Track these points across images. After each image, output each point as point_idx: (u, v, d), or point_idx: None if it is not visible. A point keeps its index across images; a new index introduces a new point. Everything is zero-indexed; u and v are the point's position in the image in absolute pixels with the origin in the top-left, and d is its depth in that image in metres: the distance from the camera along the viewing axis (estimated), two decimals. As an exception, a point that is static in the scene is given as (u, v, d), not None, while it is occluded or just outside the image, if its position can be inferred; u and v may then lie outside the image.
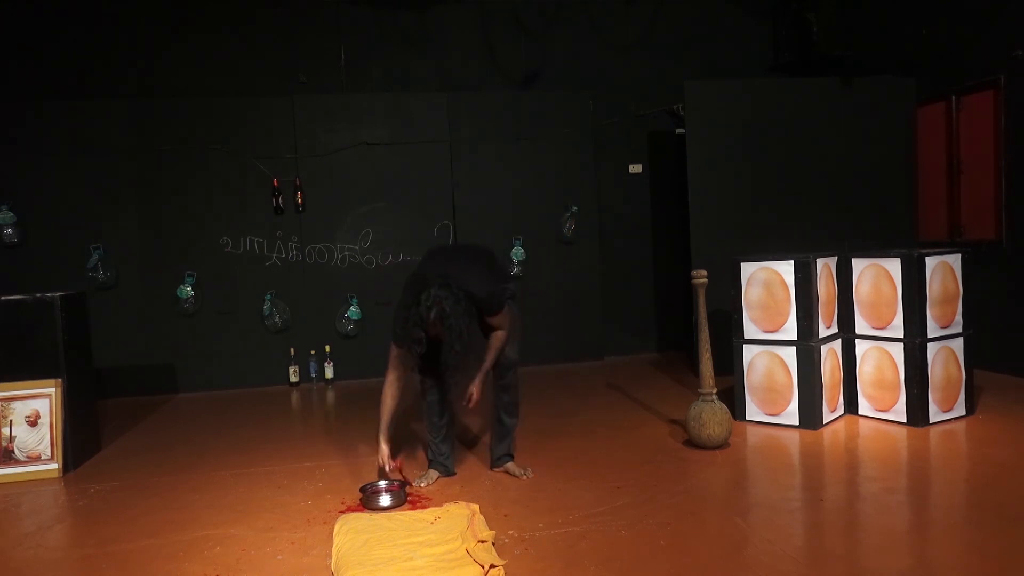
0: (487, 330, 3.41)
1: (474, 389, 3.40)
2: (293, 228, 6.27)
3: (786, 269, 4.23)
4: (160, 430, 4.95)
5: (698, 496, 3.24)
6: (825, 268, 4.32)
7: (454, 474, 3.65)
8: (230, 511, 3.29)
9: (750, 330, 4.38)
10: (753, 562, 2.56)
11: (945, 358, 4.21)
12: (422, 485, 3.51)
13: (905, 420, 4.16)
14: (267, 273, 6.25)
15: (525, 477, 3.56)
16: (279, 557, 2.78)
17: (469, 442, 4.23)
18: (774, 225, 5.72)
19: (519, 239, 6.46)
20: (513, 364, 3.57)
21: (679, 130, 6.61)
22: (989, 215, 5.48)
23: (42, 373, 4.06)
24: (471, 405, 3.42)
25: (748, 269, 4.37)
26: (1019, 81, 5.17)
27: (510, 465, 3.64)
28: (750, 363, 4.38)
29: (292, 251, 6.28)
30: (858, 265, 4.38)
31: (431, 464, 3.65)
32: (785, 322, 4.24)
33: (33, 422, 4.02)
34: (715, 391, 3.92)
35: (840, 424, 4.28)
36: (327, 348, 6.28)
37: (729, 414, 3.90)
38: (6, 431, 3.99)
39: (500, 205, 6.50)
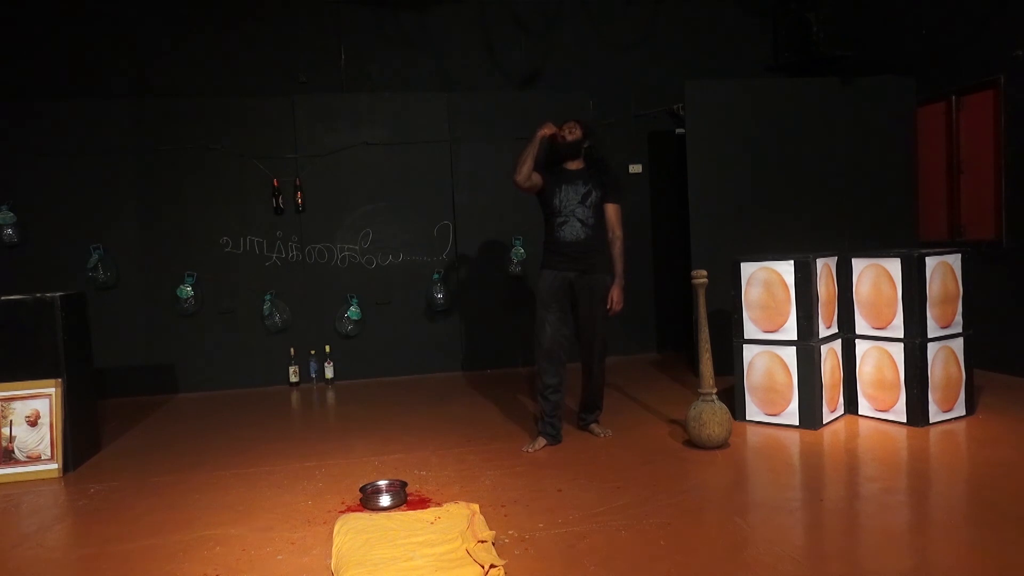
0: (601, 237, 4.07)
1: (615, 295, 3.99)
2: (293, 228, 6.27)
3: (786, 269, 4.23)
4: (160, 430, 4.94)
5: (698, 496, 3.24)
6: (825, 268, 4.32)
7: (561, 441, 4.07)
8: (230, 511, 3.29)
9: (750, 330, 4.38)
10: (753, 562, 2.55)
11: (945, 358, 4.21)
12: (531, 450, 3.92)
13: (905, 420, 4.16)
14: (267, 273, 6.25)
15: (604, 436, 4.16)
16: (279, 557, 2.78)
17: (470, 441, 4.23)
18: (774, 225, 5.72)
19: (519, 239, 6.44)
20: (603, 340, 4.10)
21: (679, 130, 6.61)
22: (989, 215, 5.48)
23: (42, 373, 4.05)
24: (614, 310, 3.99)
25: (748, 269, 4.37)
26: (1019, 81, 5.17)
27: (594, 426, 4.24)
28: (750, 363, 4.38)
29: (292, 251, 6.28)
30: (858, 265, 4.38)
31: (541, 433, 4.04)
32: (785, 322, 4.24)
33: (33, 422, 4.02)
34: (715, 391, 3.91)
35: (840, 424, 4.28)
36: (327, 348, 6.28)
37: (729, 414, 3.90)
38: (6, 431, 3.99)
39: (500, 205, 6.48)
